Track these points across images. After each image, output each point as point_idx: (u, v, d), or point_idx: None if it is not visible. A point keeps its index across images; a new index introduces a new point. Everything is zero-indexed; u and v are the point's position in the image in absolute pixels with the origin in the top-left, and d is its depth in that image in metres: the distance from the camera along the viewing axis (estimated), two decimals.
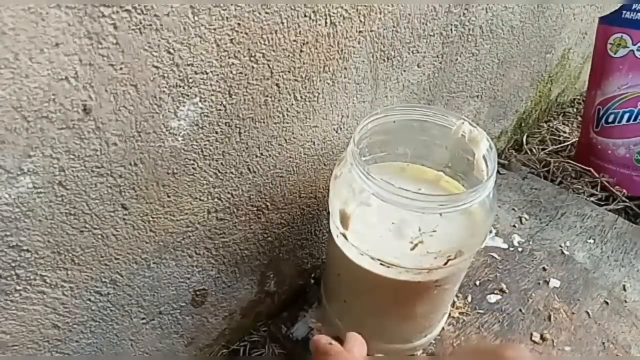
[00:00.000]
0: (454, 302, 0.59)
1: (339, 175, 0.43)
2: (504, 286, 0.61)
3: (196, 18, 0.31)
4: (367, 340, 0.45)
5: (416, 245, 0.40)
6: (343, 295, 0.49)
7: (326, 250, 0.50)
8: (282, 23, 0.37)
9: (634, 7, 0.75)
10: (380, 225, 0.42)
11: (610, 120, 0.81)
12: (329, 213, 0.46)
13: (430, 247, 0.40)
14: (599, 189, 0.83)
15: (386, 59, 0.49)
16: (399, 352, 0.51)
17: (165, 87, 0.32)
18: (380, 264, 0.41)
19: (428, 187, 0.48)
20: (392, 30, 0.47)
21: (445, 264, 0.40)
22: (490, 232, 0.70)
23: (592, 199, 0.81)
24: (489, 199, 0.41)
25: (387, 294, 0.44)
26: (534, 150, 0.94)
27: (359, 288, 0.46)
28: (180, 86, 0.33)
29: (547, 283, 0.63)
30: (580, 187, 0.83)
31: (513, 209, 0.75)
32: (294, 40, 0.38)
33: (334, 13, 0.40)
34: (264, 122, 0.41)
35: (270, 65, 0.38)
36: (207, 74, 0.34)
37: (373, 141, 0.47)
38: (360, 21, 0.43)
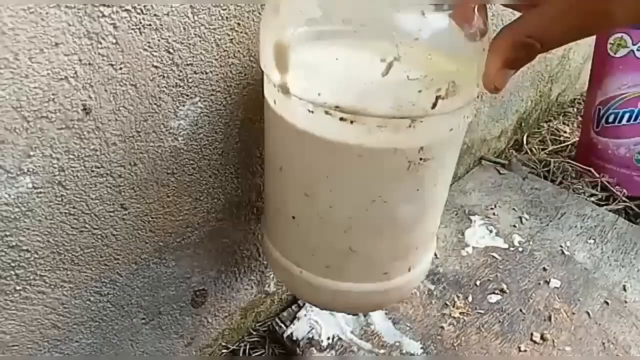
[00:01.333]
0: (454, 302, 0.59)
1: (269, 1, 0.29)
2: (504, 286, 0.61)
3: (196, 18, 0.31)
4: (329, 281, 0.35)
5: (390, 64, 0.25)
6: (289, 207, 0.34)
7: (265, 147, 0.36)
8: None
9: None
10: (337, 50, 0.27)
11: (610, 120, 0.81)
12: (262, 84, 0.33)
13: (411, 69, 0.25)
14: (599, 189, 0.83)
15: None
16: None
17: (165, 87, 0.32)
18: (340, 118, 0.27)
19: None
20: None
21: (435, 104, 0.26)
22: (490, 232, 0.70)
23: (592, 199, 0.81)
24: (485, 17, 0.28)
25: (351, 180, 0.30)
26: (534, 150, 0.94)
27: (310, 179, 0.31)
28: (180, 86, 0.33)
29: (548, 283, 0.63)
30: (580, 187, 0.83)
31: (513, 209, 0.75)
32: None
33: None
34: (263, 122, 0.41)
35: None
36: (206, 73, 0.34)
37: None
38: None
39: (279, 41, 0.27)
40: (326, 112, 0.27)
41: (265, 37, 0.29)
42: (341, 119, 0.27)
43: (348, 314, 0.46)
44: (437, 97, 0.26)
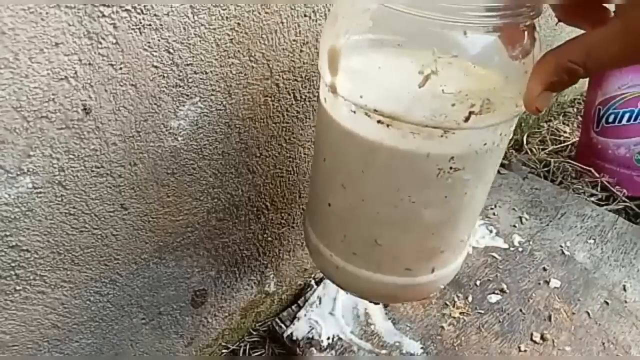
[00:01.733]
0: (454, 302, 0.59)
1: (331, 11, 0.33)
2: (504, 286, 0.61)
3: (196, 18, 0.31)
4: (354, 268, 0.37)
5: (427, 77, 0.27)
6: (326, 195, 0.37)
7: (315, 143, 0.38)
8: (282, 23, 0.37)
9: None
10: (381, 59, 0.30)
11: (610, 120, 0.81)
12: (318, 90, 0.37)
13: (447, 84, 0.27)
14: (599, 189, 0.83)
15: None
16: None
17: (165, 87, 0.32)
18: (378, 121, 0.29)
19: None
20: None
21: (467, 119, 0.28)
22: (491, 231, 0.70)
23: (592, 199, 0.81)
24: (535, 36, 0.29)
25: (383, 178, 0.32)
26: (534, 150, 0.94)
27: (347, 172, 0.34)
28: (180, 86, 0.33)
29: (548, 283, 0.63)
30: (580, 187, 0.83)
31: (513, 209, 0.75)
32: (294, 40, 0.38)
33: None
34: (263, 122, 0.41)
35: (270, 65, 0.38)
36: (206, 73, 0.34)
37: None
38: None
39: (332, 46, 0.30)
40: (366, 114, 0.29)
41: (323, 44, 0.32)
42: (379, 121, 0.29)
43: (370, 301, 0.47)
44: (470, 112, 0.28)
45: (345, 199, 0.35)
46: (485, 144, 0.30)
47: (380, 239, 0.35)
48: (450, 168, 0.30)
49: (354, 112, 0.30)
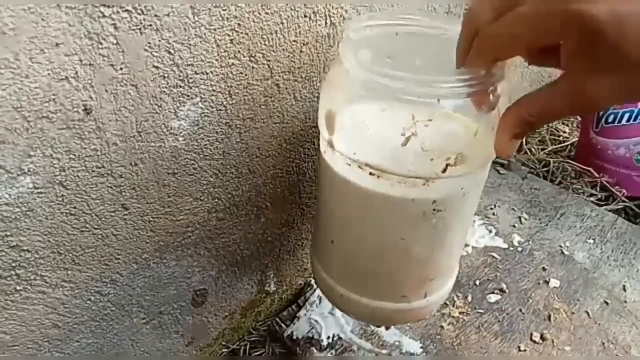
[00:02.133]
0: (454, 302, 0.59)
1: (329, 79, 0.38)
2: (503, 286, 0.61)
3: (196, 18, 0.31)
4: (356, 296, 0.42)
5: (409, 138, 0.32)
6: (330, 234, 0.42)
7: (315, 184, 0.44)
8: (282, 23, 0.37)
9: None
10: (370, 124, 0.35)
11: (610, 120, 0.82)
12: (319, 133, 0.40)
13: (425, 142, 0.32)
14: (598, 189, 0.83)
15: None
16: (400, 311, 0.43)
17: (166, 87, 0.32)
18: (370, 172, 0.34)
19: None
20: None
21: (444, 170, 0.33)
22: (490, 231, 0.70)
23: (592, 199, 0.81)
24: (501, 91, 0.33)
25: (376, 220, 0.37)
26: (533, 150, 0.94)
27: (346, 214, 0.39)
28: (180, 86, 0.33)
29: (547, 283, 0.63)
30: (580, 187, 0.83)
31: (513, 209, 0.75)
32: (294, 41, 0.39)
33: (334, 13, 0.40)
34: (264, 122, 0.41)
35: (270, 66, 0.38)
36: (207, 74, 0.34)
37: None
38: None
39: (329, 110, 0.36)
40: (359, 167, 0.34)
41: (321, 105, 0.37)
42: (370, 173, 0.34)
43: (371, 324, 0.52)
44: (447, 165, 0.33)
45: (346, 238, 0.40)
46: (462, 189, 0.35)
47: (378, 272, 0.40)
48: (434, 210, 0.35)
49: (349, 164, 0.35)
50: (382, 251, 0.39)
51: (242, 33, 0.34)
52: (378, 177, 0.34)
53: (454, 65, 0.30)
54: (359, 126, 0.35)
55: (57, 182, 0.30)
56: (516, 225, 0.72)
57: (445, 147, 0.33)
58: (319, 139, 0.48)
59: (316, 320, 0.56)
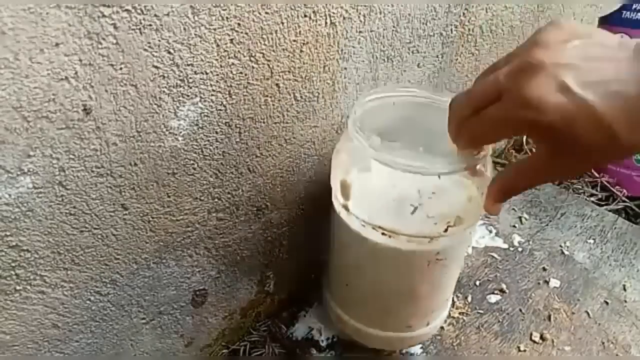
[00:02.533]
0: (453, 302, 0.59)
1: (339, 149, 0.43)
2: (504, 286, 0.61)
3: (196, 18, 0.31)
4: (368, 329, 0.49)
5: (416, 208, 0.40)
6: (345, 278, 0.48)
7: (330, 233, 0.49)
8: (282, 23, 0.37)
9: (634, 7, 0.75)
10: (381, 192, 0.42)
11: None
12: (331, 190, 0.45)
13: (430, 211, 0.40)
14: (599, 189, 0.83)
15: (386, 59, 0.49)
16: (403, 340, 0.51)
17: (165, 87, 0.32)
18: (382, 233, 0.40)
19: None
20: (392, 30, 0.47)
21: (446, 230, 0.40)
22: (490, 232, 0.70)
23: (592, 199, 0.81)
24: (486, 163, 0.41)
25: (388, 268, 0.44)
26: (534, 150, 0.93)
27: (360, 263, 0.45)
28: (180, 86, 0.33)
29: (547, 283, 0.63)
30: (580, 187, 0.83)
31: (513, 209, 0.75)
32: (294, 40, 0.39)
33: (334, 13, 0.40)
34: (264, 122, 0.41)
35: (270, 65, 0.38)
36: (207, 74, 0.34)
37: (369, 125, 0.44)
38: (360, 21, 0.43)
39: (344, 180, 0.42)
40: (373, 227, 0.41)
41: (336, 171, 0.43)
42: (383, 233, 0.41)
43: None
44: (448, 226, 0.40)
45: (360, 282, 0.47)
46: (459, 241, 0.43)
47: (388, 309, 0.47)
48: (437, 259, 0.42)
49: (364, 225, 0.41)
50: (393, 293, 0.46)
51: (242, 33, 0.34)
52: (390, 236, 0.40)
53: (445, 132, 0.36)
54: (372, 195, 0.42)
55: (57, 182, 0.30)
56: (516, 225, 0.72)
57: (446, 213, 0.40)
58: (319, 139, 0.48)
59: (316, 321, 0.56)
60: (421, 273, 0.44)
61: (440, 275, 0.45)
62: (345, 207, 0.42)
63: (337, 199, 0.44)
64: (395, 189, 0.41)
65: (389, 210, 0.41)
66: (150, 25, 0.29)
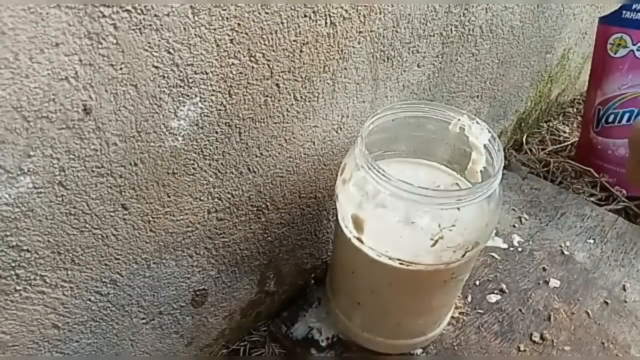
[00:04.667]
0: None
1: (348, 180, 0.42)
2: (503, 286, 0.61)
3: (196, 18, 0.31)
4: (381, 339, 0.50)
5: (437, 241, 0.40)
6: (356, 297, 0.48)
7: (334, 250, 0.49)
8: (282, 23, 0.37)
9: (634, 7, 0.75)
10: (398, 225, 0.41)
11: (610, 120, 0.81)
12: (335, 212, 0.45)
13: (450, 242, 0.40)
14: (598, 189, 0.83)
15: (386, 59, 0.49)
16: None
17: (166, 87, 0.32)
18: (400, 263, 0.41)
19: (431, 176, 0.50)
20: (392, 30, 0.47)
21: (463, 255, 0.41)
22: None
23: (592, 199, 0.81)
24: (499, 187, 0.42)
25: (405, 290, 0.45)
26: (533, 150, 0.94)
27: (376, 287, 0.46)
28: (180, 86, 0.33)
29: (547, 283, 0.63)
30: (580, 187, 0.83)
31: (513, 209, 0.75)
32: (294, 41, 0.38)
33: (334, 13, 0.40)
34: (264, 122, 0.41)
35: (270, 66, 0.38)
36: (207, 74, 0.34)
37: (372, 140, 0.47)
38: (360, 21, 0.43)
39: (356, 215, 0.41)
40: (389, 259, 0.41)
41: (344, 203, 0.43)
42: (400, 263, 0.41)
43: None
44: (466, 251, 0.41)
45: (374, 300, 0.47)
46: (472, 258, 0.45)
47: (402, 322, 0.49)
48: (452, 278, 0.44)
49: (379, 256, 0.42)
50: (409, 310, 0.47)
51: (242, 33, 0.34)
52: (408, 266, 0.41)
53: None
54: (389, 231, 0.41)
55: (57, 182, 0.30)
56: (516, 225, 0.72)
57: (464, 241, 0.40)
58: (319, 139, 0.48)
59: (316, 321, 0.56)
60: (437, 290, 0.45)
61: (454, 288, 0.48)
62: (359, 240, 0.42)
63: (347, 227, 0.44)
64: (414, 221, 0.41)
65: (407, 243, 0.41)
66: (151, 25, 0.29)
